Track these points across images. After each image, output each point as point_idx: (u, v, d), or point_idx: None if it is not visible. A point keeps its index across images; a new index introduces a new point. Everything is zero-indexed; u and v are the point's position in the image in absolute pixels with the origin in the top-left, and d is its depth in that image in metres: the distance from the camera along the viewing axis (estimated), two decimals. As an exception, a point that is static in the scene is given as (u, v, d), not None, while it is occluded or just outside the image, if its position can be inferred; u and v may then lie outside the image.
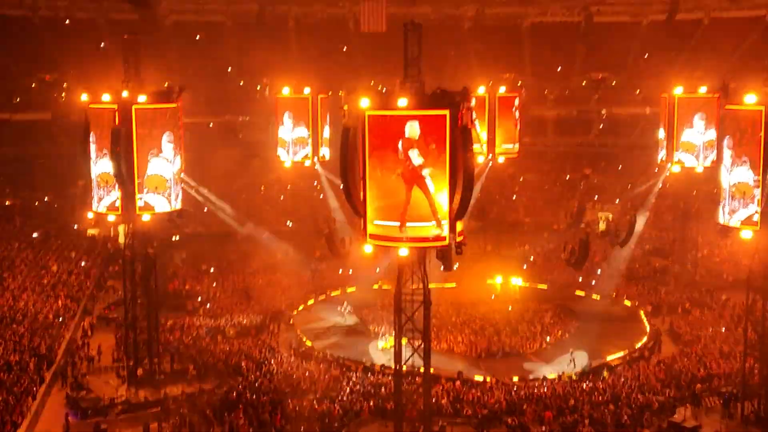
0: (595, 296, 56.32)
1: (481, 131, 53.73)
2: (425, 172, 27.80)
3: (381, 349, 46.25)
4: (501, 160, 57.30)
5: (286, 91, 55.40)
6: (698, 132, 50.33)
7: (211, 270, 60.53)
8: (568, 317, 52.00)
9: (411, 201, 28.09)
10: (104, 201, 38.06)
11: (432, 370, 32.10)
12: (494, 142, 55.98)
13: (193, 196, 54.40)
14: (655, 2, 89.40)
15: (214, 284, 57.94)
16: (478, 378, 41.34)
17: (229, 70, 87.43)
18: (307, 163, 56.58)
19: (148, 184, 36.92)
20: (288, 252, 61.17)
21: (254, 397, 36.81)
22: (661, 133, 53.31)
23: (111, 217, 38.99)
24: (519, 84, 60.21)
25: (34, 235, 58.70)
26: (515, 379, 41.17)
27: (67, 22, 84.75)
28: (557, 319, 51.51)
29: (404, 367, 31.05)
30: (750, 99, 32.42)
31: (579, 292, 57.45)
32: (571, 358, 44.42)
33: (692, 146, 50.63)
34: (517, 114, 56.77)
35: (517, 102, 57.12)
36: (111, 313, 50.33)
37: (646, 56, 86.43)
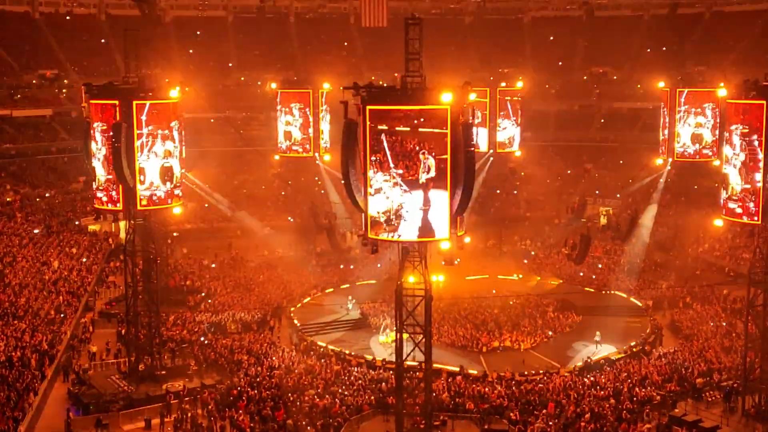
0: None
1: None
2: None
3: (382, 344, 46.28)
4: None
5: (286, 86, 55.42)
6: (700, 122, 50.27)
7: (212, 265, 60.55)
8: (570, 312, 51.95)
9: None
10: (104, 188, 38.09)
11: (433, 365, 32.14)
12: (495, 137, 56.04)
13: (194, 190, 54.52)
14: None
15: (215, 280, 57.94)
16: (480, 372, 41.35)
17: (230, 65, 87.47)
18: (308, 157, 56.63)
19: (149, 179, 36.90)
20: (289, 247, 61.23)
21: (255, 392, 36.85)
22: (662, 128, 53.23)
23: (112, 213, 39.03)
24: (520, 78, 60.12)
25: (36, 231, 58.69)
26: (516, 373, 41.15)
27: (68, 17, 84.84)
28: (558, 314, 51.46)
29: (405, 362, 31.08)
30: (751, 93, 32.45)
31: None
32: (597, 340, 44.67)
33: (694, 135, 50.57)
34: (518, 109, 56.79)
35: (518, 97, 57.13)
36: (112, 308, 50.38)
37: (647, 50, 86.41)
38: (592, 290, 56.81)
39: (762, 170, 32.43)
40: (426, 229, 28.33)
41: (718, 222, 36.28)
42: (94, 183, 38.68)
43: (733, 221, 34.23)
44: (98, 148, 37.61)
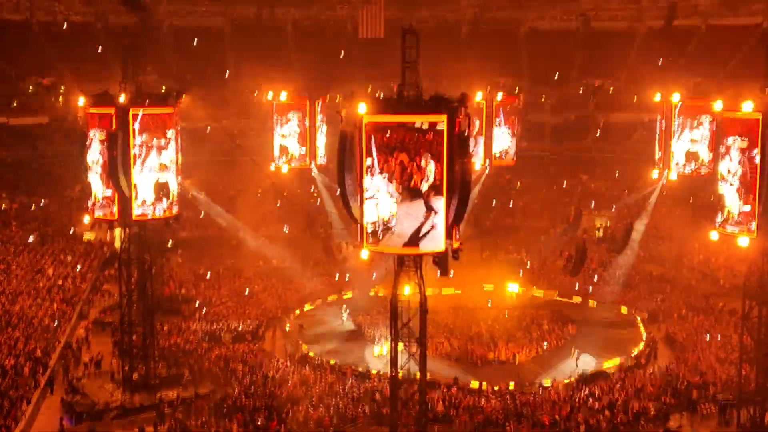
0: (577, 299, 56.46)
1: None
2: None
3: (377, 355, 46.19)
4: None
5: (283, 95, 55.40)
6: (695, 138, 50.33)
7: (208, 275, 60.40)
8: (565, 324, 51.91)
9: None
10: (100, 205, 37.98)
11: (428, 376, 32.07)
12: (491, 147, 56.10)
13: (189, 200, 54.38)
14: (652, 9, 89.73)
15: (210, 289, 57.79)
16: (474, 384, 41.29)
17: (227, 74, 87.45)
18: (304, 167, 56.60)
19: (142, 195, 36.78)
20: (284, 257, 61.08)
21: (249, 402, 36.73)
22: (658, 140, 53.29)
23: (107, 222, 38.87)
24: (516, 90, 60.23)
25: (30, 238, 58.53)
26: (511, 385, 41.09)
27: (65, 26, 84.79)
28: (554, 326, 51.41)
29: (400, 373, 30.99)
30: (747, 106, 32.37)
31: (576, 298, 57.54)
32: (576, 356, 44.58)
33: (689, 153, 50.64)
34: (514, 119, 56.86)
35: (514, 107, 57.24)
36: (107, 317, 50.24)
37: (643, 63, 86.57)
38: (587, 301, 56.79)
39: (757, 182, 32.12)
40: (413, 240, 28.27)
41: (714, 235, 35.91)
42: (90, 200, 38.52)
43: (729, 233, 34.00)
44: (94, 160, 37.46)
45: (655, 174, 53.44)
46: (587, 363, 44.59)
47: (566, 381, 42.04)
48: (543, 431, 34.88)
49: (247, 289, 57.04)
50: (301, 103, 55.24)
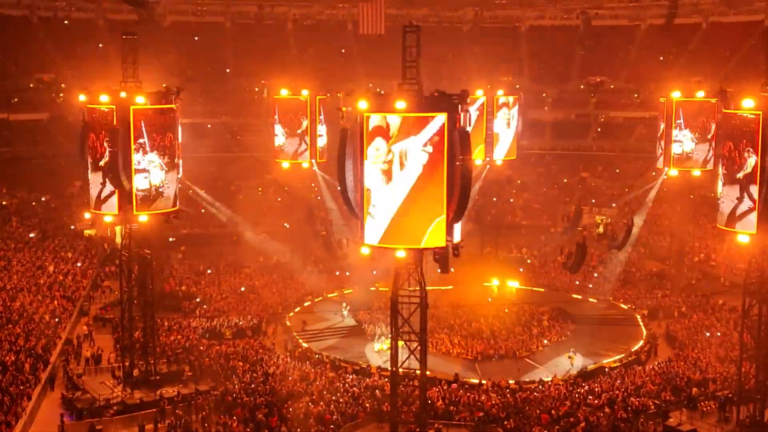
0: (591, 299, 56.45)
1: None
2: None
3: (377, 351, 46.22)
4: (498, 162, 57.32)
5: (284, 92, 55.39)
6: (695, 136, 50.31)
7: (208, 271, 60.43)
8: (565, 320, 51.95)
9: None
10: (101, 201, 37.96)
11: (428, 373, 32.10)
12: (492, 144, 56.06)
13: (190, 196, 54.38)
14: (653, 6, 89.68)
15: (211, 285, 57.85)
16: (474, 381, 41.32)
17: (228, 71, 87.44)
18: (305, 164, 56.56)
19: (145, 183, 36.77)
20: (285, 253, 61.13)
21: (249, 398, 36.76)
22: (659, 139, 53.27)
23: (108, 218, 38.82)
24: (517, 87, 60.17)
25: (31, 235, 58.56)
26: (511, 381, 41.11)
27: (66, 22, 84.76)
28: (554, 322, 51.44)
29: (400, 369, 31.01)
30: (747, 104, 32.35)
31: (576, 296, 57.52)
32: (570, 356, 44.59)
33: (689, 150, 50.62)
34: (515, 116, 56.81)
35: (515, 104, 57.18)
36: (107, 313, 50.28)
37: (644, 60, 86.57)
38: (590, 299, 56.83)
39: (758, 179, 32.11)
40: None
41: (715, 231, 35.97)
42: (90, 196, 38.40)
43: (729, 231, 34.04)
44: (95, 157, 37.38)
45: (657, 163, 53.42)
46: (580, 363, 44.62)
47: (565, 377, 42.05)
48: (543, 428, 34.88)
49: (243, 288, 57.09)
50: (302, 100, 55.20)
